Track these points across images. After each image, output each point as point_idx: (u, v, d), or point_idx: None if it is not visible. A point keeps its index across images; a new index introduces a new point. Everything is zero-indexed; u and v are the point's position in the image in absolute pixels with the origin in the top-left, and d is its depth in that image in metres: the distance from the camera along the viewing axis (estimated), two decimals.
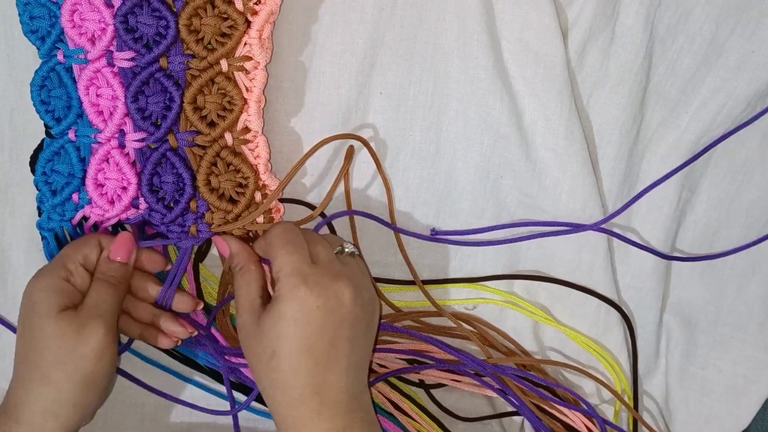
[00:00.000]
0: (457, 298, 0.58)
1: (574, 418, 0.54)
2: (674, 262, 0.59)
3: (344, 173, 0.53)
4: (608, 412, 0.59)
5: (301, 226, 0.51)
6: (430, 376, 0.56)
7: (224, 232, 0.51)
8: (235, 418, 0.56)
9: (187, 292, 0.54)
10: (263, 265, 0.50)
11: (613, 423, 0.55)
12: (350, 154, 0.53)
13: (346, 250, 0.50)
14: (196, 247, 0.55)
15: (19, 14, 0.50)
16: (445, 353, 0.55)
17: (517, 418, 0.60)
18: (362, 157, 0.54)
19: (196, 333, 0.53)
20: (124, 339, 0.56)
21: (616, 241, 0.57)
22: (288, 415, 0.45)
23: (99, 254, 0.51)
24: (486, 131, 0.54)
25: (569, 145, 0.53)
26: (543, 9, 0.51)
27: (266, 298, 0.49)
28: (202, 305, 0.53)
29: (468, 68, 0.52)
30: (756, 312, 0.59)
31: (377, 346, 0.56)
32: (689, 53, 0.54)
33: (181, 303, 0.53)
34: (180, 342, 0.53)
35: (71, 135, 0.50)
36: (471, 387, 0.55)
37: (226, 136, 0.50)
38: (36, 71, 0.50)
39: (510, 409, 0.60)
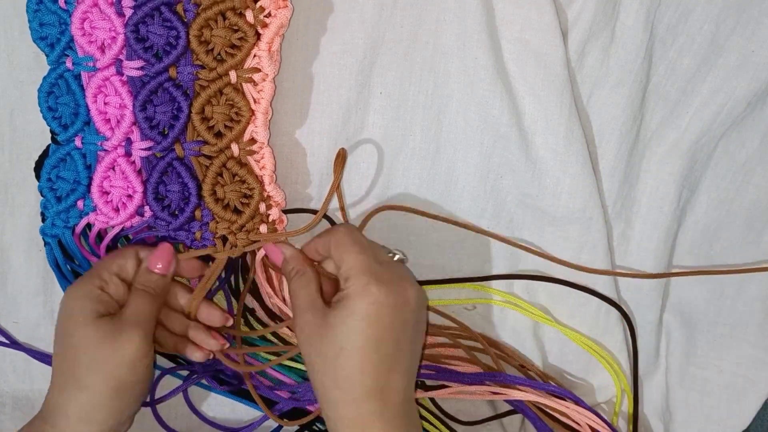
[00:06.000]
0: (457, 298, 0.58)
1: (575, 416, 0.54)
2: (674, 262, 0.59)
3: (337, 180, 0.52)
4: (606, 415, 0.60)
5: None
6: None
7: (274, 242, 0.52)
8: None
9: (218, 306, 0.54)
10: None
11: (612, 425, 0.55)
12: (342, 158, 0.53)
13: (397, 256, 0.52)
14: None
15: (29, 21, 0.50)
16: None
17: (515, 418, 0.60)
18: (359, 156, 0.54)
19: (228, 346, 0.53)
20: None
21: (616, 241, 0.57)
22: (348, 415, 0.45)
23: (136, 265, 0.51)
24: (486, 131, 0.54)
25: (569, 145, 0.53)
26: (543, 9, 0.51)
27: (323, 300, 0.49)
28: (231, 321, 0.53)
29: (468, 68, 0.52)
30: (756, 312, 0.59)
31: None
32: (689, 53, 0.53)
33: (210, 315, 0.52)
34: (212, 355, 0.53)
35: (78, 142, 0.50)
36: (474, 396, 0.55)
37: (232, 146, 0.50)
38: (44, 78, 0.50)
39: (508, 408, 0.60)
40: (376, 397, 0.45)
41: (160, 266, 0.50)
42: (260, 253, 0.53)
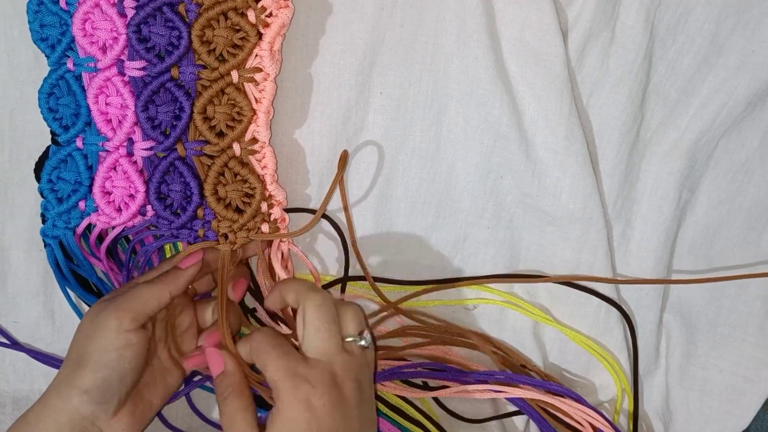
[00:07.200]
0: (458, 298, 0.58)
1: (577, 414, 0.54)
2: (674, 262, 0.59)
3: (338, 178, 0.52)
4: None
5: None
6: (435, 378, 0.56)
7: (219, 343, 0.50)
8: None
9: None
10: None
11: (613, 423, 0.55)
12: (344, 159, 0.53)
13: (361, 342, 0.48)
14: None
15: (29, 22, 0.50)
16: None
17: (520, 421, 0.60)
18: (359, 157, 0.55)
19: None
20: None
21: (616, 241, 0.57)
22: None
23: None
24: (486, 131, 0.54)
25: (569, 145, 0.53)
26: (543, 9, 0.51)
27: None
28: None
29: (468, 68, 0.52)
30: (756, 312, 0.59)
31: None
32: (689, 53, 0.54)
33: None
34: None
35: (79, 143, 0.50)
36: (479, 393, 0.55)
37: (234, 146, 0.50)
38: (45, 79, 0.50)
39: (512, 409, 0.60)
40: None
41: (183, 262, 0.50)
42: (267, 252, 0.53)
